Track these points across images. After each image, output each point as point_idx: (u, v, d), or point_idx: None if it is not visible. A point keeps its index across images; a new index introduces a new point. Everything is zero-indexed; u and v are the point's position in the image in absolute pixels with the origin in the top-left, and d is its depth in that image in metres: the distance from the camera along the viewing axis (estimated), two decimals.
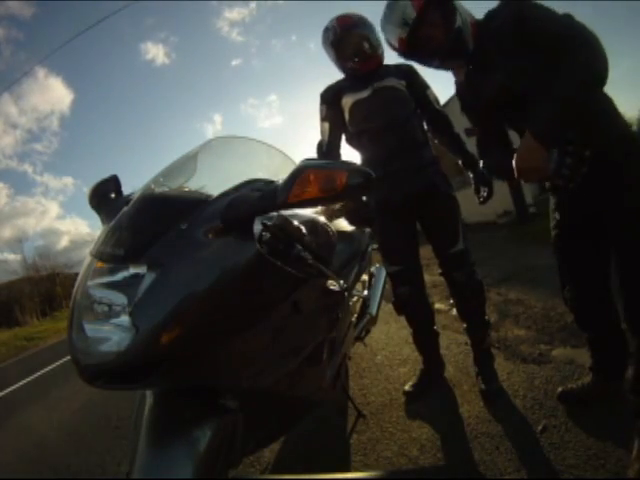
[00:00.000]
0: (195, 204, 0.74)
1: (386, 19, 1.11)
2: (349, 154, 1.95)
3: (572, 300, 1.14)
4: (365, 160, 1.61)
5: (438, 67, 1.14)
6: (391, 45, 1.17)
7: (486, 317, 1.59)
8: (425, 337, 1.67)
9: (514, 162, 0.90)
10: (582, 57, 0.84)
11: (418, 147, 1.54)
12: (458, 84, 1.21)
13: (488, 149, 1.19)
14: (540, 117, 0.87)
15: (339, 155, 1.65)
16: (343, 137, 1.65)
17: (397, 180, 1.50)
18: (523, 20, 0.94)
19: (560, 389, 1.28)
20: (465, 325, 1.61)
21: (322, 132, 1.64)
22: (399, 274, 1.57)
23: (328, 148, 1.62)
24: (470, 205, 1.68)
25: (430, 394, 1.57)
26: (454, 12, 1.02)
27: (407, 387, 1.63)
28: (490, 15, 1.05)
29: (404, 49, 1.11)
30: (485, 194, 1.34)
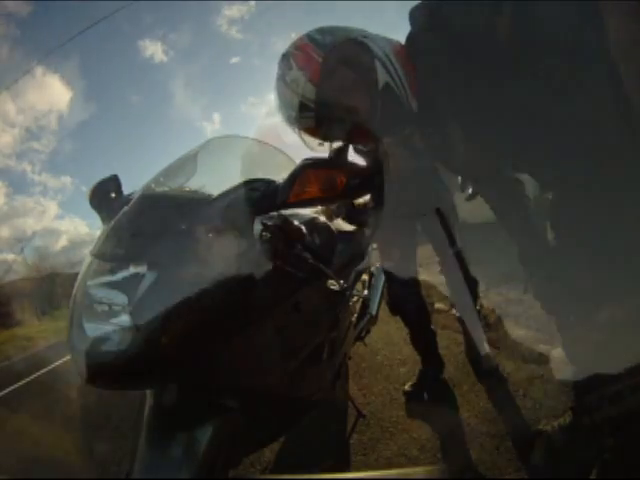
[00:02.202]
0: (195, 204, 0.74)
1: (280, 109, 0.73)
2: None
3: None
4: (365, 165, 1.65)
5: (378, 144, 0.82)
6: (304, 141, 0.81)
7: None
8: (422, 337, 1.67)
9: None
10: None
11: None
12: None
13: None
14: None
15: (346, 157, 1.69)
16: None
17: (393, 185, 1.53)
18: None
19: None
20: None
21: None
22: (393, 271, 1.61)
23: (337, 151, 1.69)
24: (471, 205, 1.69)
25: (430, 394, 1.57)
26: (371, 60, 0.65)
27: (407, 387, 1.63)
28: (417, 39, 0.68)
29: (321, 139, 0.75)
30: (470, 192, 1.32)
